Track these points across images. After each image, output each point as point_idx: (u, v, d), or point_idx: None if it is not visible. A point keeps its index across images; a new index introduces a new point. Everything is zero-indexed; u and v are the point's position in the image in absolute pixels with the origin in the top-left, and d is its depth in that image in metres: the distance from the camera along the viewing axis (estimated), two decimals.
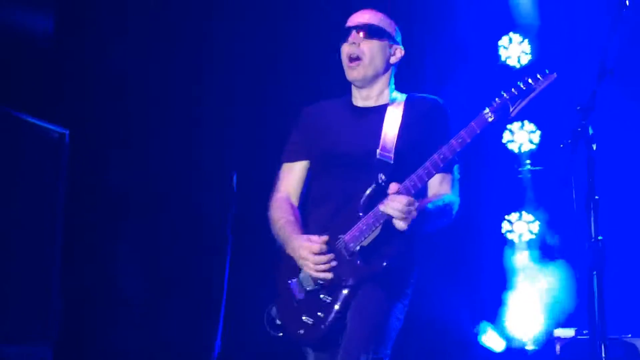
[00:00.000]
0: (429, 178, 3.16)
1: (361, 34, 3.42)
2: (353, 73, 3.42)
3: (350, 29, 3.45)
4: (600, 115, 2.47)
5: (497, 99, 3.07)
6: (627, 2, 2.71)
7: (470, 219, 5.60)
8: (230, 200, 5.66)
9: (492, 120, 3.07)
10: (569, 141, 2.39)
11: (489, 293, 5.69)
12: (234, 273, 5.53)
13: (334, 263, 3.19)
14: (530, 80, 3.02)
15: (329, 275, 3.19)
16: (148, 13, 5.50)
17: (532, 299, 5.55)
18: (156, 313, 5.47)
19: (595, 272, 2.37)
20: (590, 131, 2.41)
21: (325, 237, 3.20)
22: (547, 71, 2.99)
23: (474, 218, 5.72)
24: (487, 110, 3.07)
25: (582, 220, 2.38)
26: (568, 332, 4.76)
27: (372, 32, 3.43)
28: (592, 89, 2.50)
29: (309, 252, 3.18)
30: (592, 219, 2.37)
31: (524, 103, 3.04)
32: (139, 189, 5.52)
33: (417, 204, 3.10)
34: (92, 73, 5.27)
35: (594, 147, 2.40)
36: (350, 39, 3.43)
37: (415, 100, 3.46)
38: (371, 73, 3.43)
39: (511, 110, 3.05)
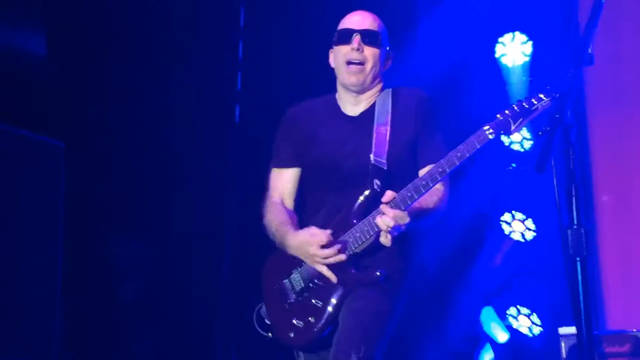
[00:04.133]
0: (426, 191, 3.12)
1: (365, 40, 3.36)
2: (352, 78, 3.37)
3: (351, 32, 3.38)
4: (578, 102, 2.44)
5: (498, 116, 3.06)
6: None
7: (474, 218, 5.61)
8: (229, 208, 5.69)
9: (493, 137, 3.06)
10: (547, 128, 2.38)
11: (493, 289, 5.66)
12: (236, 283, 5.55)
13: (342, 256, 3.15)
14: (533, 100, 3.02)
15: (334, 278, 3.16)
16: (143, 25, 5.53)
17: (535, 295, 5.53)
18: (159, 325, 5.47)
19: (578, 259, 2.35)
20: (568, 118, 2.39)
21: (329, 231, 3.16)
22: (550, 91, 2.99)
23: (478, 218, 5.71)
24: (487, 126, 3.06)
25: (563, 207, 2.36)
26: (573, 330, 4.70)
27: (375, 39, 3.38)
28: (569, 77, 2.48)
29: (317, 247, 3.15)
30: (573, 205, 2.36)
31: (525, 121, 3.05)
32: (138, 201, 5.53)
33: (408, 219, 3.09)
34: (87, 86, 5.30)
35: (573, 133, 2.39)
36: (353, 43, 3.35)
37: (401, 96, 3.42)
38: (370, 80, 3.40)
39: (512, 127, 3.05)
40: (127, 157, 5.48)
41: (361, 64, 3.36)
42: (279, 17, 5.79)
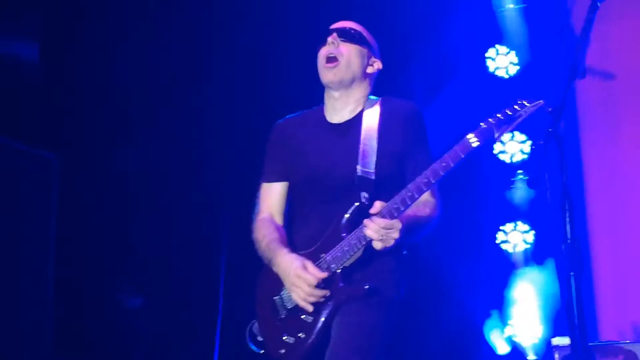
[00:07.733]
0: (412, 202, 3.08)
1: (341, 37, 3.37)
2: (329, 75, 3.34)
3: (329, 32, 3.39)
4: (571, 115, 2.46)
5: (482, 124, 3.03)
6: (599, 4, 2.71)
7: (466, 230, 5.61)
8: (225, 221, 5.68)
9: (477, 146, 3.02)
10: (541, 142, 2.38)
11: (487, 301, 5.66)
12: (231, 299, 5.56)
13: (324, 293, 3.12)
14: (516, 107, 3.01)
15: (310, 308, 3.14)
16: (136, 33, 5.52)
17: (529, 308, 5.52)
18: (156, 331, 5.47)
19: (572, 274, 2.35)
20: (562, 132, 2.39)
21: (324, 274, 3.12)
22: (533, 98, 2.99)
23: (470, 230, 5.71)
24: (471, 135, 3.02)
25: (557, 222, 2.37)
26: (565, 341, 4.70)
27: (351, 35, 3.38)
28: (563, 90, 2.49)
29: (304, 283, 3.11)
30: (567, 219, 2.36)
31: (509, 129, 3.03)
32: (131, 211, 5.52)
33: (399, 225, 3.05)
34: (80, 97, 5.29)
35: (566, 147, 2.39)
36: (329, 39, 3.37)
37: (391, 106, 3.38)
38: (348, 77, 3.35)
39: (496, 135, 3.02)
40: (121, 167, 5.47)
41: (335, 59, 3.34)
42: None
